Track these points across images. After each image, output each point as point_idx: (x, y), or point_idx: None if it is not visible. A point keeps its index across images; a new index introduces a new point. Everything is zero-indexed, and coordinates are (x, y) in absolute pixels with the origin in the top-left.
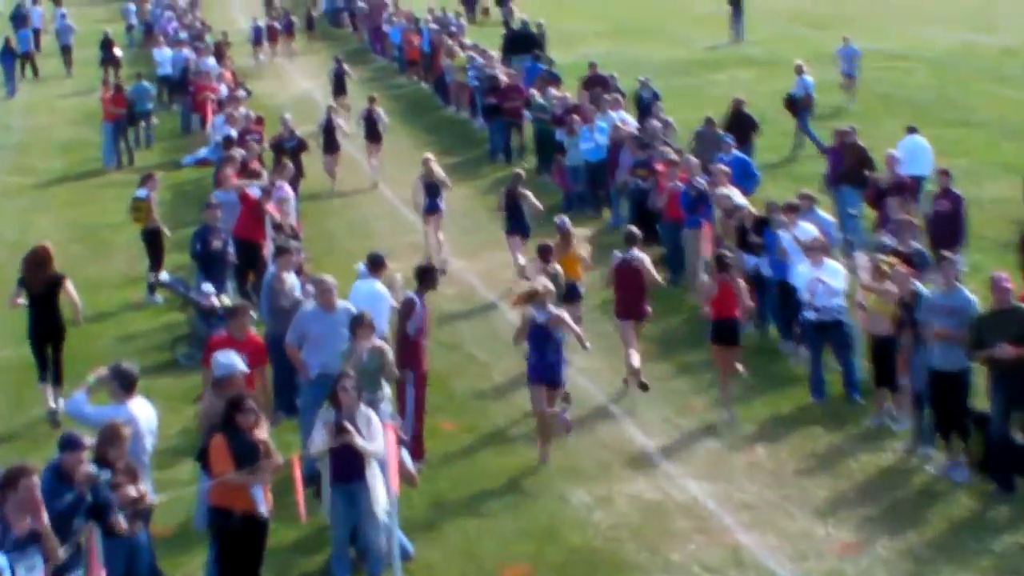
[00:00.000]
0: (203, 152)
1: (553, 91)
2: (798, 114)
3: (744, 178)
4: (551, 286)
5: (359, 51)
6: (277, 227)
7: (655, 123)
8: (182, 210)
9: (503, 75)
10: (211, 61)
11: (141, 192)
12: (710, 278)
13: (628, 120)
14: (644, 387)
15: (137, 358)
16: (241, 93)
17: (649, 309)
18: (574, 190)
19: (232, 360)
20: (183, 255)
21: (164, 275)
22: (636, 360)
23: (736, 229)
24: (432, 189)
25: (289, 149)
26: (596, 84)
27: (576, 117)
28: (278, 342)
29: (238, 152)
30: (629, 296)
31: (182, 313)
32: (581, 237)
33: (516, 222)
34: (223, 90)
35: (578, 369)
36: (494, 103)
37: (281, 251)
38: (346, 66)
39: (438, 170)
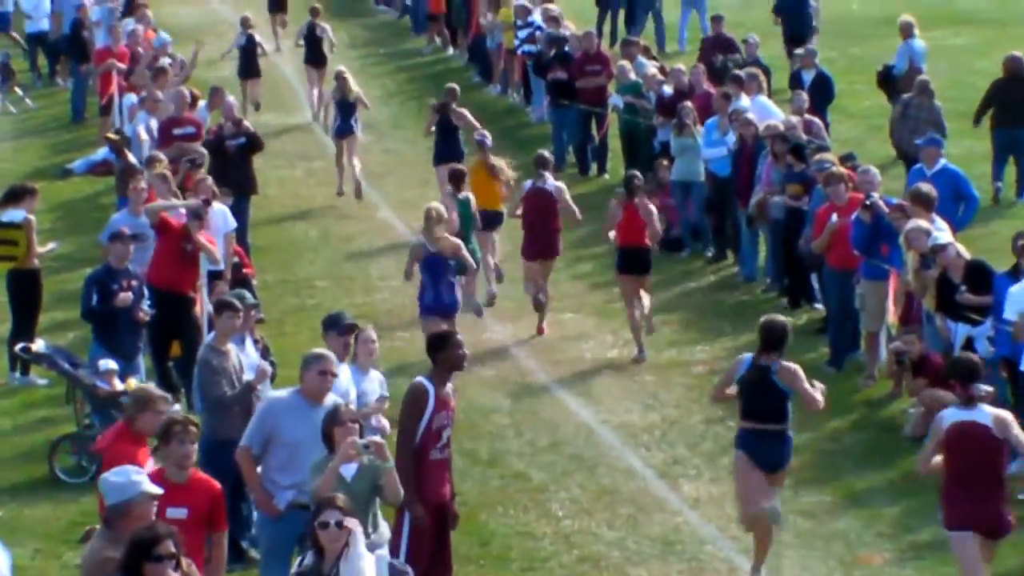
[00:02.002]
0: (102, 152)
1: (647, 63)
2: (894, 97)
3: (953, 201)
4: (443, 209)
5: None
6: (217, 274)
7: (801, 118)
8: (69, 242)
9: (576, 35)
10: (116, 9)
11: (13, 214)
12: (615, 202)
13: (771, 109)
14: (540, 332)
15: None
16: (166, 61)
17: (560, 248)
18: (684, 219)
19: (130, 478)
20: (70, 311)
21: (40, 343)
22: (543, 297)
23: (938, 282)
24: (346, 108)
25: (234, 149)
26: (718, 50)
27: (689, 105)
28: (217, 450)
29: (160, 154)
30: (539, 230)
31: (67, 404)
32: (503, 163)
33: (447, 147)
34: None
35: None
36: (562, 80)
37: (224, 307)
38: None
39: (354, 86)
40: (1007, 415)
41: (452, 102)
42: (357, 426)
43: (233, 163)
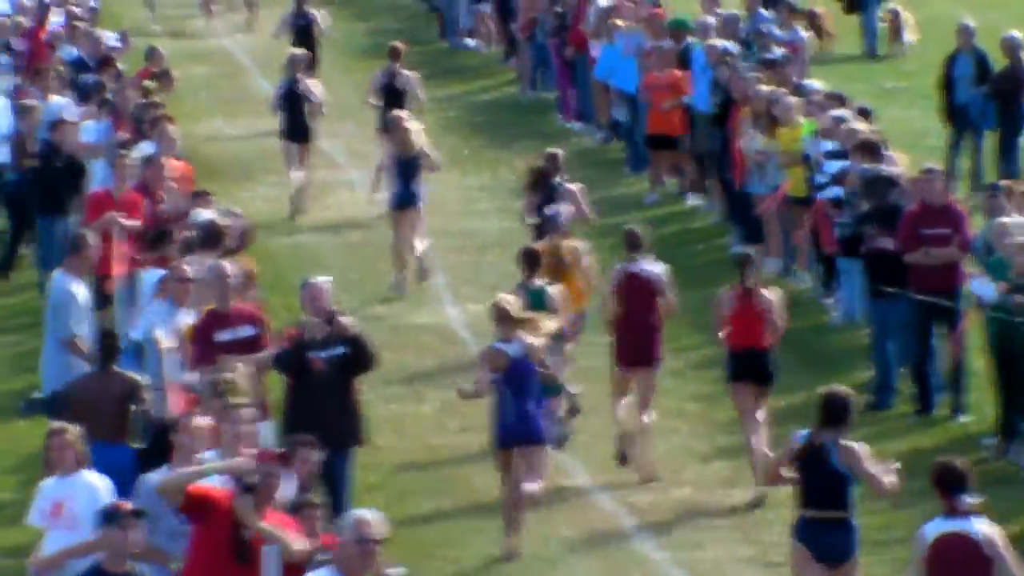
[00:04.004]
0: None
1: None
2: None
3: None
4: (516, 302)
5: (516, 104)
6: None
7: None
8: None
9: (909, 175)
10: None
11: None
12: (728, 290)
13: None
14: (623, 459)
15: None
16: (230, 225)
17: (661, 352)
18: None
19: None
20: None
21: None
22: (643, 419)
23: None
24: (406, 168)
25: (326, 367)
26: None
27: None
28: None
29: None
30: (635, 330)
31: None
32: (582, 247)
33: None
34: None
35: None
36: (887, 252)
37: None
38: (314, 12)
39: (417, 138)
40: (996, 530)
41: (556, 173)
42: None
43: (325, 391)
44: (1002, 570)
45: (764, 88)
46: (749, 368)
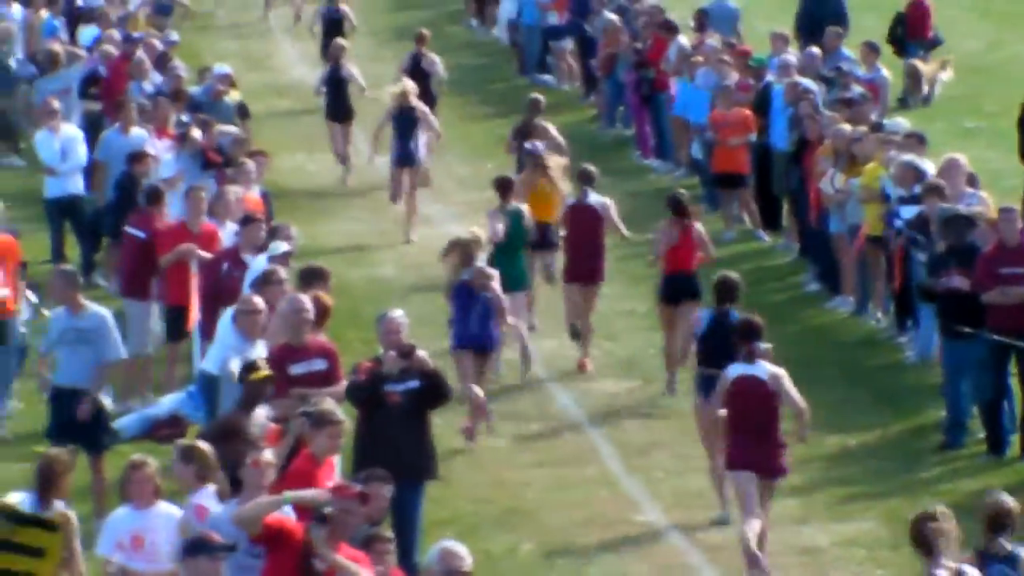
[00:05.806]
0: (172, 401)
1: None
2: None
3: None
4: (481, 234)
5: (594, 141)
6: None
7: None
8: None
9: (985, 214)
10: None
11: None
12: (667, 224)
13: None
14: (581, 367)
15: None
16: (281, 250)
17: (604, 272)
18: None
19: None
20: None
21: None
22: (586, 334)
23: None
24: (406, 125)
25: (401, 401)
26: None
27: None
28: None
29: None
30: (582, 251)
31: None
32: (558, 166)
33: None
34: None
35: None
36: (962, 293)
37: None
38: (345, 7)
39: (418, 102)
40: (781, 371)
41: (535, 117)
42: None
43: (398, 425)
44: (785, 400)
45: (846, 127)
46: (681, 289)
